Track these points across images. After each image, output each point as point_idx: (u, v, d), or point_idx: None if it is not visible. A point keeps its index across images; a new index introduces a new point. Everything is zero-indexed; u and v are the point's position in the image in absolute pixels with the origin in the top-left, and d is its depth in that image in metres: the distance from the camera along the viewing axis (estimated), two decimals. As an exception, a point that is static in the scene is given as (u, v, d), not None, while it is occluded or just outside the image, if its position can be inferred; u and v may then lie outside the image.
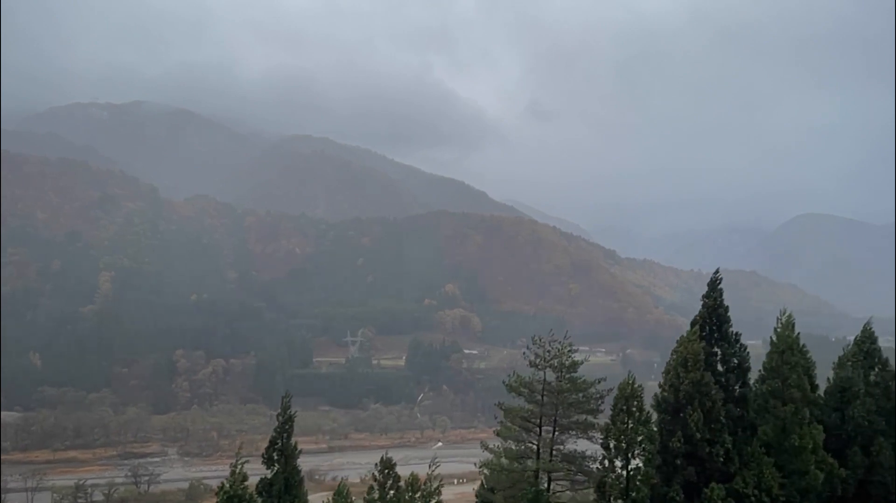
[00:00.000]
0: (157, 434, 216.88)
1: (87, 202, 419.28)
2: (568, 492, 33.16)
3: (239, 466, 27.05)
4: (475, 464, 33.50)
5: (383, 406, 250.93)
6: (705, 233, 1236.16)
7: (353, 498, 32.37)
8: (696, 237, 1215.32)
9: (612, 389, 33.66)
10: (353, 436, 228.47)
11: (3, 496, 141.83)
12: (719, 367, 33.77)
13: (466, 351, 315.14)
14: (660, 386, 32.95)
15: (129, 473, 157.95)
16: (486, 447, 32.99)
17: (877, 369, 38.17)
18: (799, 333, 34.87)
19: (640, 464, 30.91)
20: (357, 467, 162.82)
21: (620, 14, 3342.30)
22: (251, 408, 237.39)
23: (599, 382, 33.02)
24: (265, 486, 28.09)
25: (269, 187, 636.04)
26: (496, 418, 33.65)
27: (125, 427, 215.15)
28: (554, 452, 32.75)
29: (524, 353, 34.53)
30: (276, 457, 28.86)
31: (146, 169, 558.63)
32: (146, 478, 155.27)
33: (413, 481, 34.42)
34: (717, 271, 35.47)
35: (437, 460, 31.02)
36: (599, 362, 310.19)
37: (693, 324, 34.03)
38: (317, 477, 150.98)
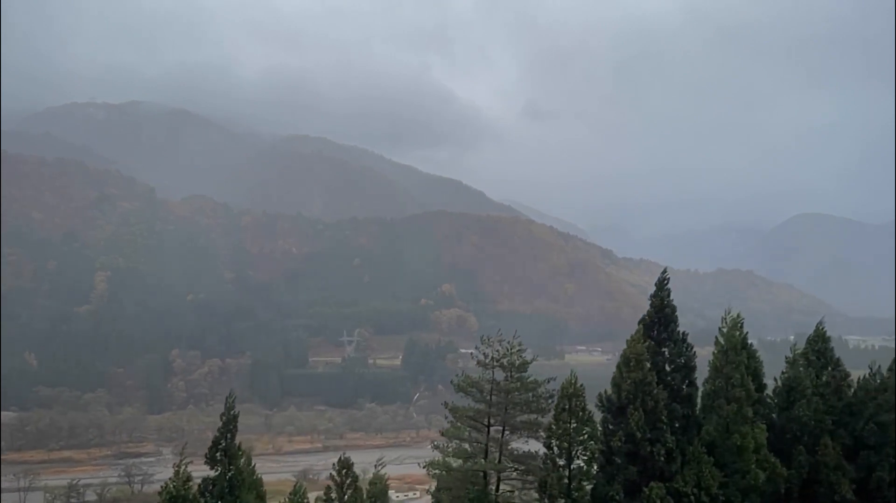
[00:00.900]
0: (153, 434, 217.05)
1: (84, 202, 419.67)
2: (516, 492, 33.35)
3: (183, 467, 27.47)
4: (419, 464, 33.64)
5: (379, 406, 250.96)
6: (703, 232, 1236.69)
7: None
8: (694, 237, 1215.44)
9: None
10: (349, 435, 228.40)
11: (1, 496, 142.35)
12: (666, 367, 34.12)
13: (462, 350, 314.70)
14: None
15: (123, 473, 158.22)
16: (436, 447, 33.18)
17: (829, 369, 38.59)
18: (747, 332, 35.24)
19: (583, 464, 31.17)
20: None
21: (618, 14, 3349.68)
22: (247, 408, 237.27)
23: (548, 381, 33.17)
24: (206, 486, 28.45)
25: (266, 187, 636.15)
26: (446, 418, 33.86)
27: (120, 427, 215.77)
28: (504, 452, 32.96)
29: (472, 354, 34.84)
30: (218, 458, 29.17)
31: (143, 169, 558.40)
32: (139, 477, 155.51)
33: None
34: (664, 271, 36.00)
35: (382, 460, 31.36)
36: (595, 361, 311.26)
37: (640, 322, 34.48)
38: (311, 476, 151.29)
